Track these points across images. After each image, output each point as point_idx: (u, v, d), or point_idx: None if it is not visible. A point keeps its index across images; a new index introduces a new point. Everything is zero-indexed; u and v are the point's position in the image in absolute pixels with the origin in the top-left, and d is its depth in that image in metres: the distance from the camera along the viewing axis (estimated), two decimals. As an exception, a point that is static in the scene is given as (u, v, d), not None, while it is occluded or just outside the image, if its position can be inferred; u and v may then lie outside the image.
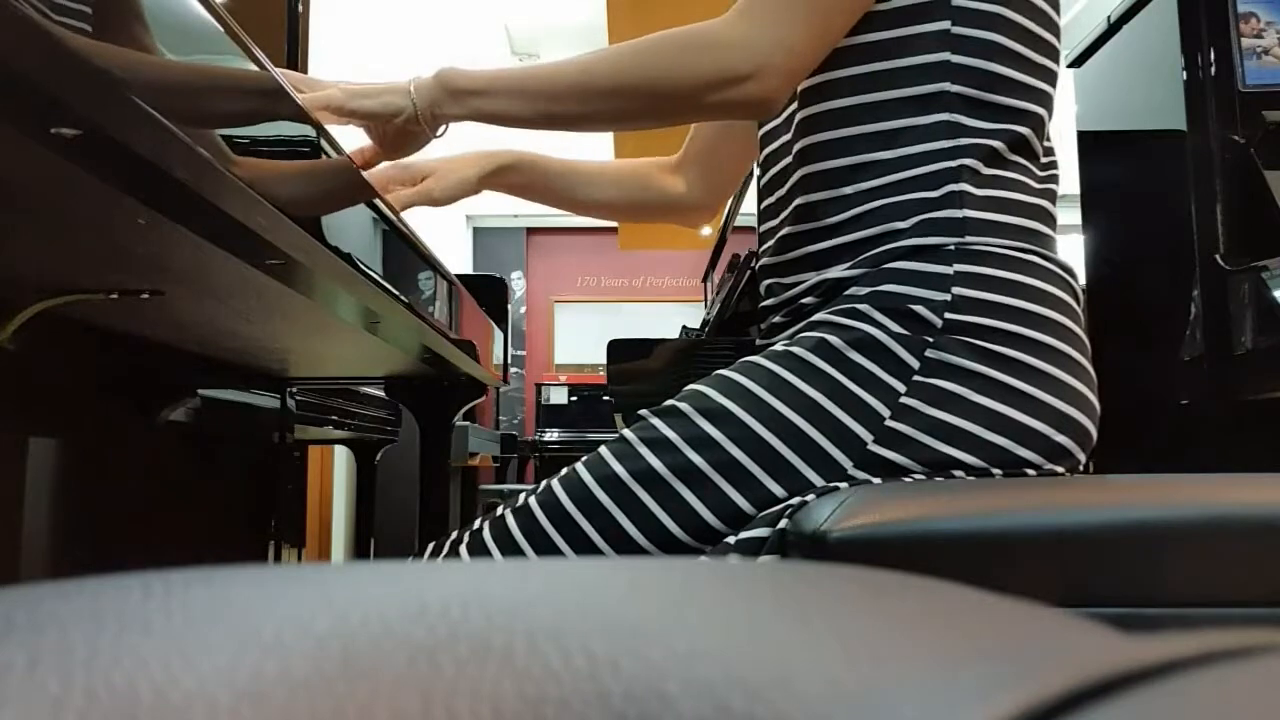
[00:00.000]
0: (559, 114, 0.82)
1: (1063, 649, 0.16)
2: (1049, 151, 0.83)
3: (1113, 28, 2.26)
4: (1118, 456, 2.06)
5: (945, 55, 0.78)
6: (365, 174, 1.02)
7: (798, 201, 0.86)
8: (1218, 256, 1.88)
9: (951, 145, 0.78)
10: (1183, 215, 1.96)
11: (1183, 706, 0.12)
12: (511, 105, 0.82)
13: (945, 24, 0.78)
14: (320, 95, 0.85)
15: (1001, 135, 0.79)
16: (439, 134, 0.88)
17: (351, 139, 0.91)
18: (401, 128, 0.87)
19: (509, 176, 1.08)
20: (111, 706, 0.13)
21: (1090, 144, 2.42)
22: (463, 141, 0.93)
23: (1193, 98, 1.96)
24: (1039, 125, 0.81)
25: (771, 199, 0.93)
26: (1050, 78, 0.82)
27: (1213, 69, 1.94)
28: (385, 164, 1.00)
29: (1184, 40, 1.98)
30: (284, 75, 0.87)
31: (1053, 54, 0.82)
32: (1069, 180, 1.89)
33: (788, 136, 0.90)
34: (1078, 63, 2.43)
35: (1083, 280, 2.34)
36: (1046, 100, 0.82)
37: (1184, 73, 1.97)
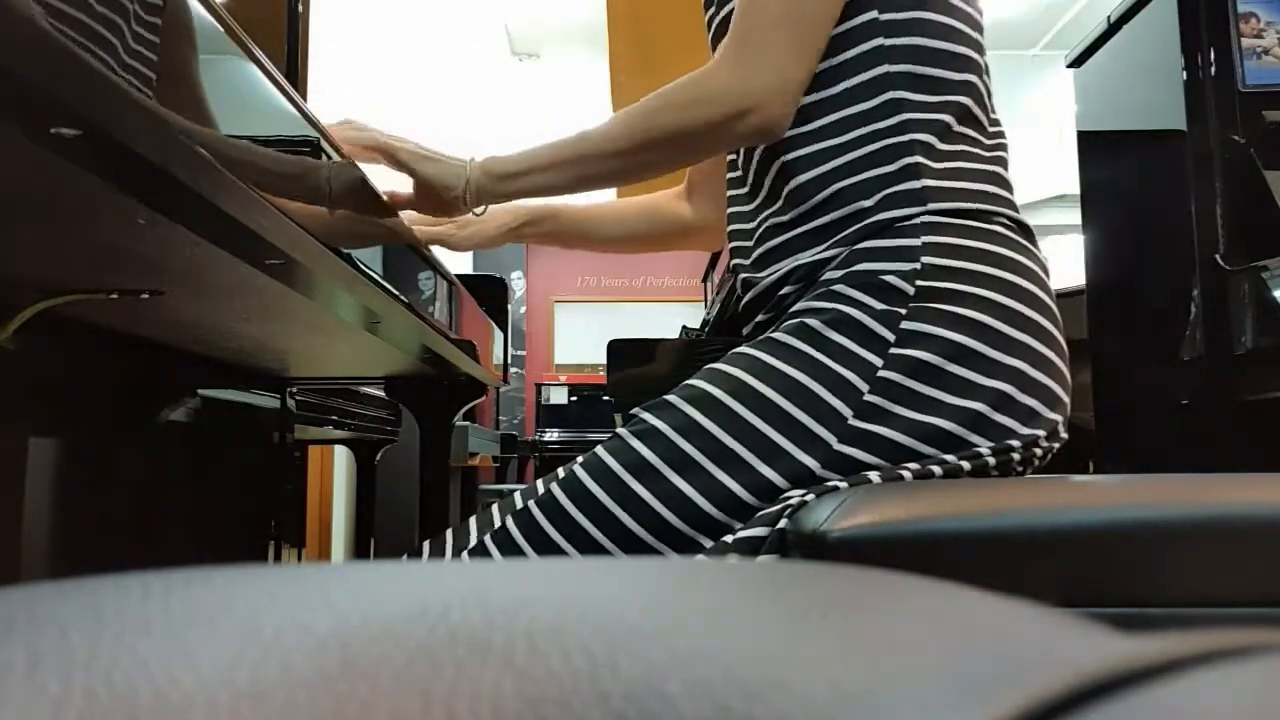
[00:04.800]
0: (594, 175, 0.90)
1: (1063, 649, 0.16)
2: (994, 123, 0.89)
3: (1113, 28, 2.26)
4: (1118, 456, 2.07)
5: (879, 40, 0.84)
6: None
7: (764, 198, 0.91)
8: (1218, 256, 1.88)
9: (899, 121, 0.83)
10: (1182, 215, 1.96)
11: (1183, 706, 0.12)
12: (549, 178, 0.91)
13: (873, 13, 0.84)
14: (395, 143, 0.96)
15: (946, 108, 0.84)
16: (478, 213, 0.98)
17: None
18: (447, 199, 0.95)
19: (532, 229, 1.18)
20: (111, 706, 0.13)
21: (1090, 144, 2.42)
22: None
23: (1193, 98, 1.96)
24: (979, 95, 0.87)
25: (734, 203, 0.98)
26: (978, 48, 0.88)
27: (1213, 69, 1.94)
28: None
29: (1184, 40, 1.98)
30: (347, 125, 0.97)
31: (976, 25, 0.88)
32: (1069, 180, 1.88)
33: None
34: (1078, 63, 2.43)
35: (1082, 280, 2.35)
36: (978, 69, 0.87)
37: (1184, 73, 1.97)
